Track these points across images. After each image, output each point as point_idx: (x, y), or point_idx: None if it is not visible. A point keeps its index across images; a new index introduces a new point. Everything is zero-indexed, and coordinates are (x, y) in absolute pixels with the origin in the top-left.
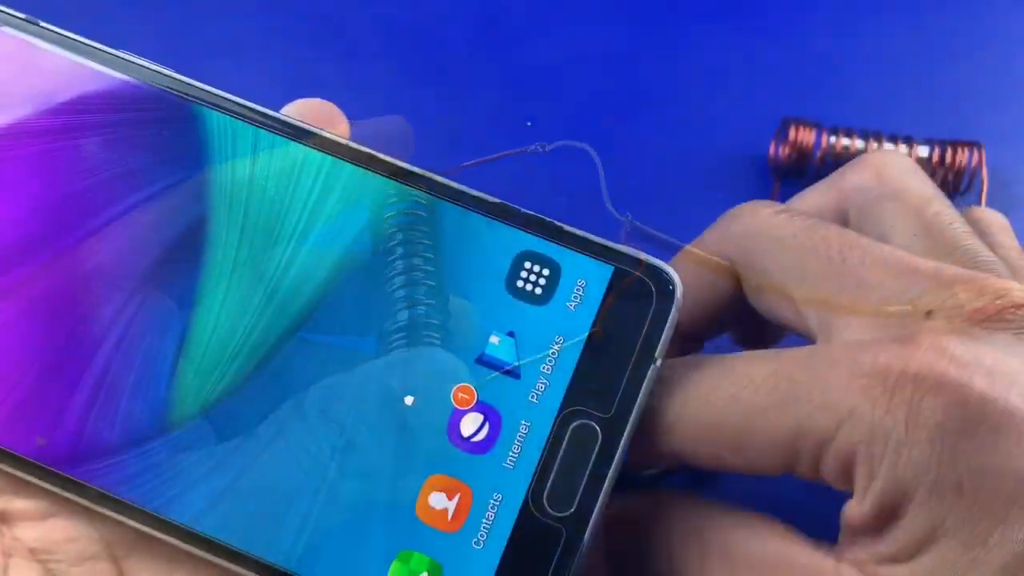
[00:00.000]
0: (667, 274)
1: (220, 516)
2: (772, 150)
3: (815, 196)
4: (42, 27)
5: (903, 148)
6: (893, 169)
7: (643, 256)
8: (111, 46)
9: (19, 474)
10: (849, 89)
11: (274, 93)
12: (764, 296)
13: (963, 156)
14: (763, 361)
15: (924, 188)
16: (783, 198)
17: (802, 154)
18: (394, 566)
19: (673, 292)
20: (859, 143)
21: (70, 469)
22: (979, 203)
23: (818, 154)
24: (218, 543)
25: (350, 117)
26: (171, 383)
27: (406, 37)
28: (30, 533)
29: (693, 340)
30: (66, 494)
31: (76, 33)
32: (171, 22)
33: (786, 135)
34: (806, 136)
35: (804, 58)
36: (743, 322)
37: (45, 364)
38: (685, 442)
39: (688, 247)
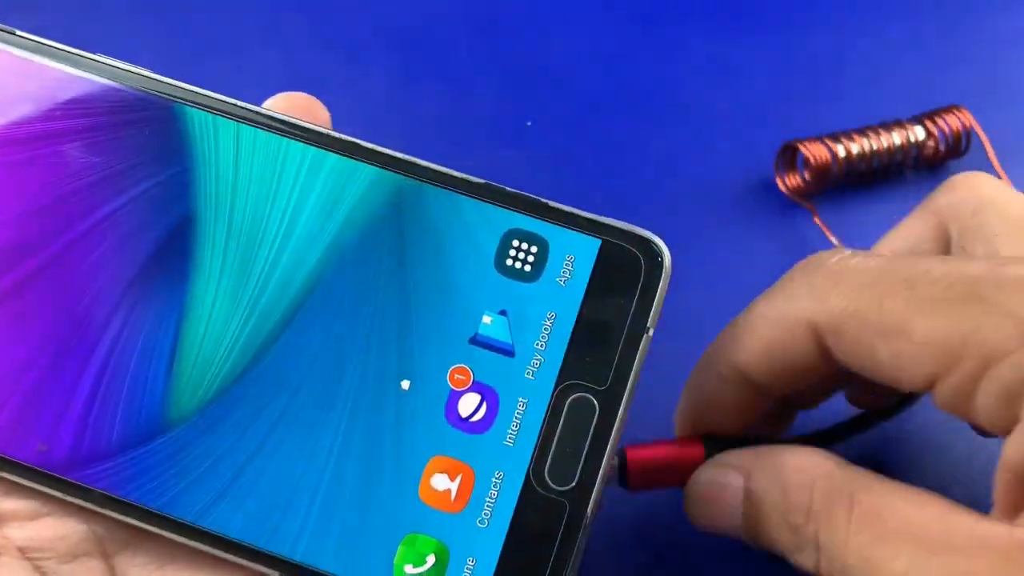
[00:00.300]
0: (654, 244)
1: (224, 511)
2: (791, 181)
3: (911, 225)
4: (19, 36)
5: (900, 133)
6: (985, 183)
7: (629, 227)
8: (109, 46)
9: (21, 480)
10: (849, 90)
11: (274, 93)
12: (865, 349)
13: (954, 120)
14: (945, 260)
15: (1018, 194)
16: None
17: (823, 173)
18: (400, 550)
19: (661, 261)
20: (866, 143)
21: (72, 473)
22: (988, 162)
23: (836, 168)
24: (224, 538)
25: (350, 116)
26: (168, 382)
27: (406, 37)
28: (20, 532)
29: (786, 407)
30: (69, 498)
31: (65, 39)
32: (170, 22)
33: (796, 158)
34: (819, 152)
35: (804, 58)
36: (846, 385)
37: (41, 369)
38: (843, 320)
39: (762, 306)
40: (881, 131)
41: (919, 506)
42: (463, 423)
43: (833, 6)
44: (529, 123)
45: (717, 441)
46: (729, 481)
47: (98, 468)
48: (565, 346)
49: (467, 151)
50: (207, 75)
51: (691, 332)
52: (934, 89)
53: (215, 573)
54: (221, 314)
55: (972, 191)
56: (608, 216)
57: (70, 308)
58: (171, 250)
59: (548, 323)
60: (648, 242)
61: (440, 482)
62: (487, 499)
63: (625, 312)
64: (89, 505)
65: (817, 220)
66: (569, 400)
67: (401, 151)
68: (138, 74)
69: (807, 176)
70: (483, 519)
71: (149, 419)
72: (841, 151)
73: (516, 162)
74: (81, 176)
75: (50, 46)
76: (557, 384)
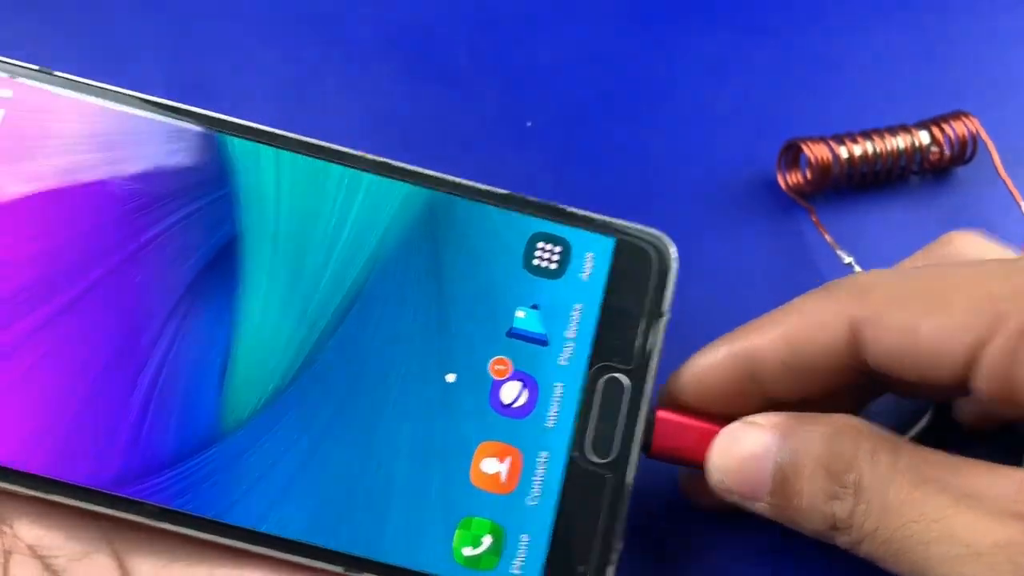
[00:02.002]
0: (661, 239)
1: (284, 513)
2: (792, 179)
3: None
4: (56, 76)
5: (905, 137)
6: (975, 244)
7: (638, 226)
8: (108, 46)
9: (75, 502)
10: (848, 89)
11: (274, 94)
12: (908, 334)
13: (960, 127)
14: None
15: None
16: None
17: (824, 173)
18: (458, 534)
19: (669, 253)
20: (869, 146)
21: (126, 489)
22: (993, 170)
23: (838, 169)
24: (286, 540)
25: (350, 117)
26: (220, 393)
27: (406, 38)
28: (30, 531)
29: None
30: (123, 515)
31: (65, 38)
32: (171, 24)
33: (799, 157)
34: (821, 152)
35: (803, 58)
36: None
37: (93, 388)
38: (884, 308)
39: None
40: (886, 134)
41: (962, 462)
42: (507, 409)
43: (838, 6)
44: (529, 123)
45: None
46: (762, 437)
47: (152, 482)
48: (593, 333)
49: (467, 151)
50: (207, 75)
51: (687, 326)
52: (939, 91)
53: (223, 564)
54: (270, 325)
55: (961, 252)
56: (614, 214)
57: (120, 329)
58: (220, 268)
59: (576, 314)
60: (656, 237)
61: (490, 466)
62: (535, 478)
63: (642, 299)
64: (144, 520)
65: (814, 219)
66: (601, 380)
67: (409, 160)
68: (182, 109)
69: (808, 175)
70: (533, 497)
71: (202, 431)
72: (843, 152)
73: (516, 162)
74: (130, 201)
75: (96, 86)
76: (589, 367)
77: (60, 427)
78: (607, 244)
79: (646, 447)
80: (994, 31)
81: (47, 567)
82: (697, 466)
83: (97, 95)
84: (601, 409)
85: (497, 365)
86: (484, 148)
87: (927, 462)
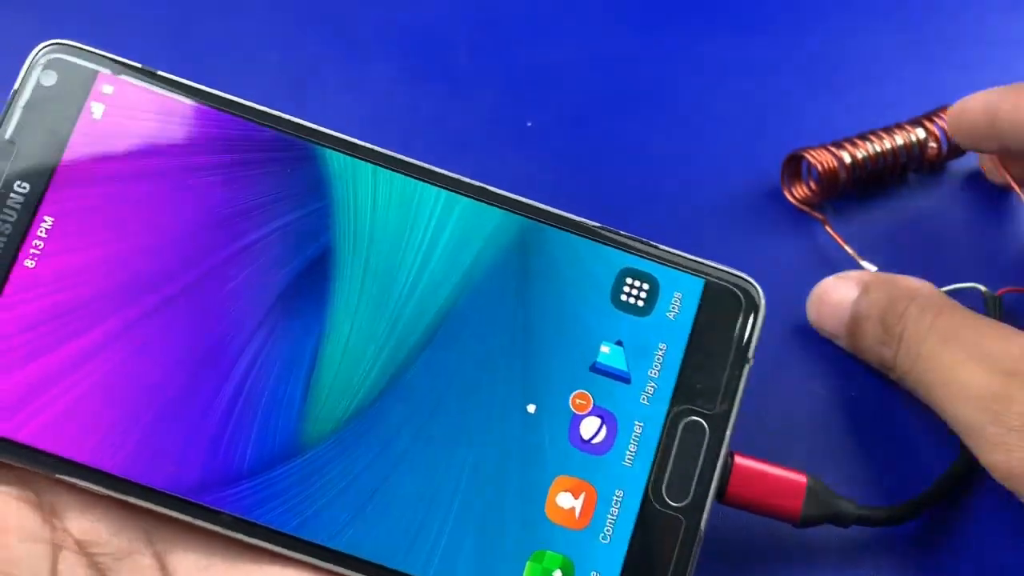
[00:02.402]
0: (751, 284)
1: (357, 532)
2: (799, 191)
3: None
4: (159, 75)
5: (902, 135)
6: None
7: (728, 269)
8: (108, 46)
9: (150, 506)
10: (849, 89)
11: (275, 94)
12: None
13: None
14: None
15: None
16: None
17: (832, 180)
18: (528, 566)
19: (758, 299)
20: (870, 147)
21: (204, 497)
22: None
23: (844, 175)
24: (357, 559)
25: (350, 116)
26: (303, 407)
27: (406, 38)
28: (78, 525)
29: None
30: (198, 522)
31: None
32: (171, 22)
33: (800, 168)
34: (827, 160)
35: (803, 58)
36: None
37: (178, 392)
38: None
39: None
40: (883, 134)
41: (991, 326)
42: (585, 445)
43: (832, 7)
44: (529, 123)
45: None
46: (846, 289)
47: (230, 491)
48: (676, 374)
49: (467, 151)
50: (207, 75)
51: None
52: (930, 90)
53: (260, 564)
54: (357, 342)
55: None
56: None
57: (207, 336)
58: (310, 281)
59: (660, 353)
60: (746, 281)
61: (565, 500)
62: (608, 516)
63: (728, 344)
64: (219, 529)
65: (828, 229)
66: (682, 423)
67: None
68: (284, 119)
69: (813, 186)
70: (605, 535)
71: (283, 444)
72: (847, 157)
73: (516, 162)
74: (225, 207)
75: (196, 88)
76: (670, 408)
77: (142, 429)
78: (696, 284)
79: (720, 494)
80: (994, 31)
81: (93, 564)
82: (769, 514)
83: (197, 97)
84: (679, 452)
85: (578, 399)
86: (484, 148)
87: (961, 324)
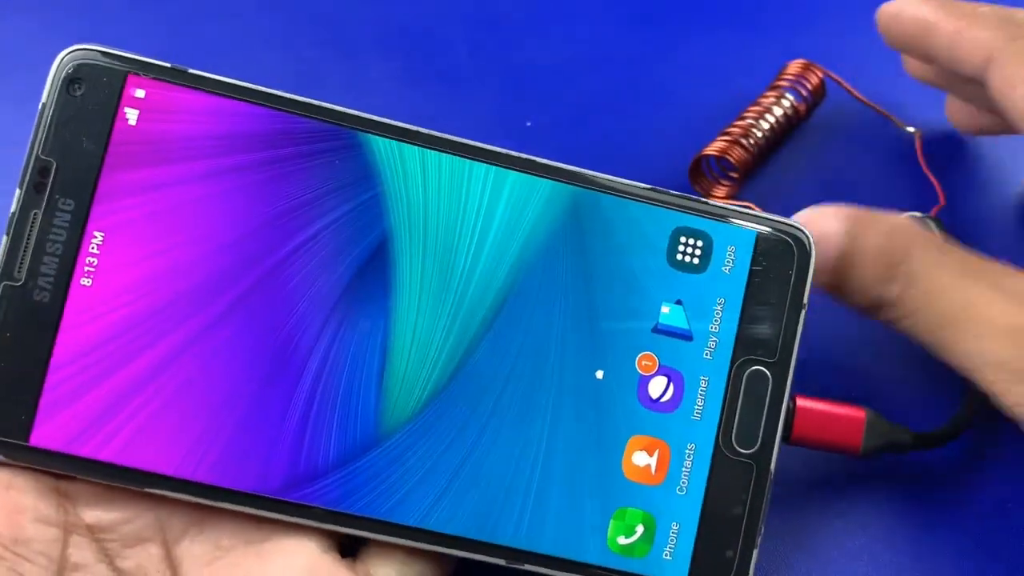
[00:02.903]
0: (801, 230)
1: (446, 510)
2: (719, 192)
3: None
4: (191, 73)
5: (779, 102)
6: None
7: (778, 218)
8: (117, 46)
9: (242, 508)
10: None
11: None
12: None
13: (812, 76)
14: None
15: None
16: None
17: (745, 165)
18: (612, 524)
19: (809, 245)
20: (763, 122)
21: (293, 494)
22: (855, 101)
23: (748, 157)
24: (449, 536)
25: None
26: (380, 395)
27: (406, 37)
28: (90, 512)
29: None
30: (292, 519)
31: (64, 38)
32: (171, 22)
33: (709, 165)
34: (733, 150)
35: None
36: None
37: (255, 395)
38: None
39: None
40: (763, 107)
41: (1000, 265)
42: (654, 404)
43: (832, 7)
44: (529, 123)
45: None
46: (826, 222)
47: (318, 485)
48: (736, 327)
49: None
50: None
51: None
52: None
53: (273, 545)
54: (425, 326)
55: None
56: None
57: (277, 335)
58: (370, 272)
59: (719, 308)
60: (796, 228)
61: (640, 459)
62: (683, 469)
63: (784, 292)
64: (310, 522)
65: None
66: (746, 374)
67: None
68: (324, 107)
69: (731, 179)
70: (682, 487)
71: (364, 433)
72: (747, 138)
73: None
74: (275, 205)
75: (230, 83)
76: (733, 361)
77: (224, 435)
78: (748, 237)
79: (786, 436)
80: None
81: (103, 550)
82: (832, 450)
83: (231, 93)
84: (745, 401)
85: (644, 361)
86: None
87: (971, 260)
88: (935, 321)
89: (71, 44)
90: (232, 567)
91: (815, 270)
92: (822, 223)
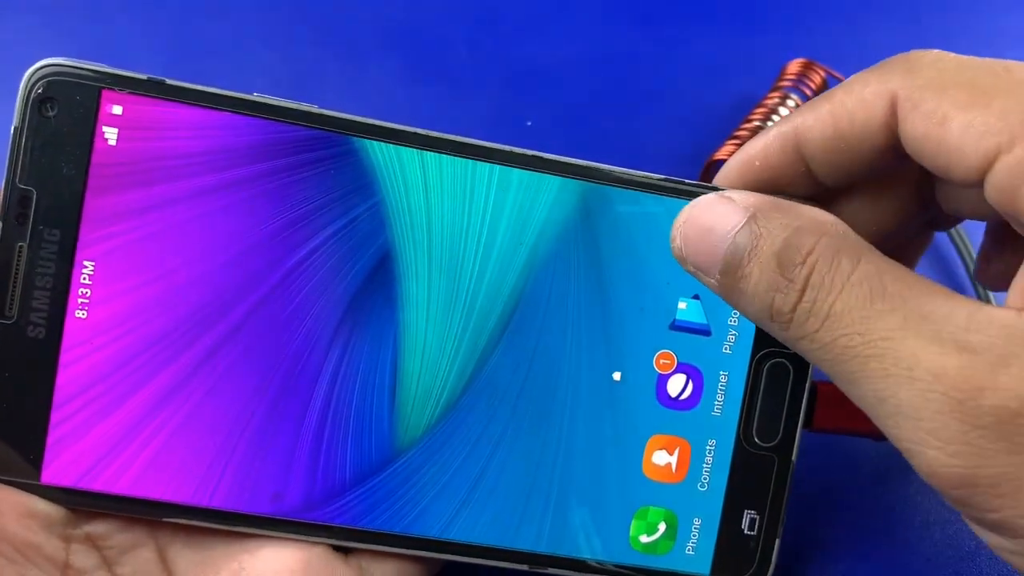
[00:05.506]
0: None
1: (467, 520)
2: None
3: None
4: (169, 85)
5: (786, 103)
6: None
7: None
8: (108, 46)
9: (261, 532)
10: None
11: (274, 93)
12: (936, 121)
13: (815, 76)
14: None
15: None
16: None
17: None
18: (634, 524)
19: None
20: (774, 119)
21: (312, 514)
22: None
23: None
24: (472, 545)
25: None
26: (392, 411)
27: (406, 37)
28: (89, 522)
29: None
30: (312, 538)
31: (64, 38)
32: (171, 22)
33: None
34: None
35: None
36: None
37: (263, 420)
38: (925, 90)
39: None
40: (769, 109)
41: (924, 284)
42: (674, 402)
43: (831, 6)
44: (529, 123)
45: None
46: (730, 214)
47: (336, 504)
48: None
49: None
50: (207, 75)
51: None
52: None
53: (255, 550)
54: (435, 337)
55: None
56: None
57: (283, 356)
58: (375, 285)
59: None
60: None
61: (661, 458)
62: (704, 466)
63: None
64: (332, 541)
65: None
66: (766, 367)
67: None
68: (314, 113)
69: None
70: (703, 483)
71: (379, 450)
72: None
73: None
74: (270, 221)
75: (212, 93)
76: (753, 354)
77: (237, 460)
78: None
79: (807, 423)
80: (994, 31)
81: (103, 557)
82: (853, 434)
83: (215, 103)
84: (765, 394)
85: (662, 359)
86: None
87: (889, 275)
88: (835, 352)
89: (70, 44)
90: (225, 564)
91: (699, 270)
92: (720, 211)
